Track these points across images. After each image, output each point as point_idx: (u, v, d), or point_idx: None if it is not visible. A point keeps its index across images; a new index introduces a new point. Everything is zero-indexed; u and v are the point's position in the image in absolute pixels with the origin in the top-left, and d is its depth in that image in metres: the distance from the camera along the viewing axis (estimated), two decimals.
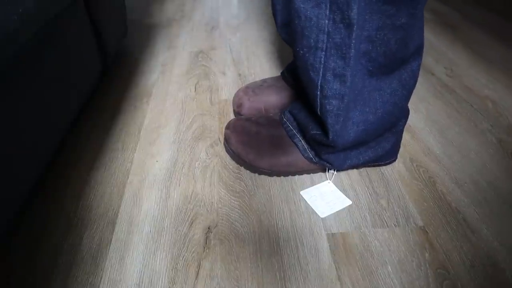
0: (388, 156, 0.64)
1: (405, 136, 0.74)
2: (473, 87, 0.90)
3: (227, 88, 0.90)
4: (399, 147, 0.65)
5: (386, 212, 0.58)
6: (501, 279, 0.49)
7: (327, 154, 0.59)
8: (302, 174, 0.64)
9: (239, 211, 0.58)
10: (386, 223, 0.56)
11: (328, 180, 0.63)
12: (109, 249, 0.53)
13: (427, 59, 1.02)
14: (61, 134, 0.60)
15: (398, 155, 0.69)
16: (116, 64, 1.01)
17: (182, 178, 0.64)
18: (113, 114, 0.81)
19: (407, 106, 0.59)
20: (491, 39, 1.13)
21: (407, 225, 0.56)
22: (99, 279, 0.49)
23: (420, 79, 0.93)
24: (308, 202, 0.59)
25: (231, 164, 0.67)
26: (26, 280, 0.49)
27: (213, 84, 0.92)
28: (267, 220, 0.57)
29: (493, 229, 0.55)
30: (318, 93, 0.49)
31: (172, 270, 0.50)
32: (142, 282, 0.48)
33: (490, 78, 0.93)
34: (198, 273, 0.49)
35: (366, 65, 0.48)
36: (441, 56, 1.03)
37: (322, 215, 0.57)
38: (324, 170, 0.64)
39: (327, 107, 0.50)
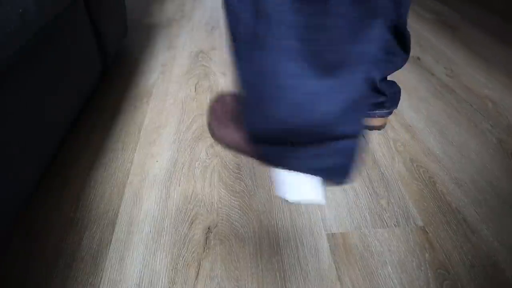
0: (332, 175, 0.56)
1: (405, 136, 0.74)
2: (473, 87, 0.90)
3: (227, 88, 0.90)
4: (348, 171, 0.54)
5: (386, 212, 0.58)
6: (501, 279, 0.49)
7: (261, 143, 0.56)
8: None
9: (239, 211, 0.58)
10: (386, 223, 0.56)
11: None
12: (109, 249, 0.53)
13: (427, 59, 1.02)
14: (61, 134, 0.60)
15: (399, 155, 0.69)
16: (116, 64, 1.01)
17: (182, 178, 0.64)
18: (113, 114, 0.81)
19: (357, 124, 0.50)
20: (491, 39, 1.13)
21: (407, 225, 0.56)
22: (99, 279, 0.49)
23: (420, 79, 0.93)
24: (277, 179, 0.58)
25: (231, 164, 0.67)
26: (26, 280, 0.49)
27: (213, 84, 0.92)
28: (267, 220, 0.57)
29: (493, 229, 0.55)
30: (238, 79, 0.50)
31: (172, 270, 0.50)
32: (142, 282, 0.48)
33: (490, 78, 0.93)
34: (198, 273, 0.49)
35: (291, 63, 0.45)
36: (441, 56, 1.03)
37: (277, 192, 0.59)
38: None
39: (243, 95, 0.51)
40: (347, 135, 0.50)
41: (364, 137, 0.54)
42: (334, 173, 0.55)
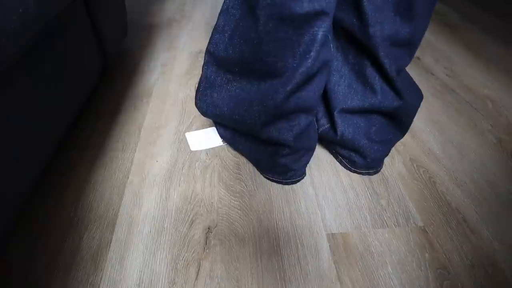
0: (265, 169, 0.63)
1: (405, 136, 0.74)
2: (473, 86, 0.90)
3: None
4: (279, 177, 0.62)
5: (386, 212, 0.58)
6: (501, 279, 0.49)
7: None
8: None
9: (239, 211, 0.58)
10: (386, 223, 0.56)
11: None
12: (109, 249, 0.53)
13: (427, 59, 1.02)
14: (60, 134, 0.60)
15: (399, 155, 0.69)
16: (116, 64, 1.01)
17: (182, 178, 0.64)
18: (113, 114, 0.81)
19: (287, 139, 0.54)
20: (491, 38, 1.13)
21: (407, 225, 0.56)
22: (99, 279, 0.49)
23: (420, 79, 0.93)
24: (188, 140, 0.70)
25: (231, 164, 0.67)
26: (26, 280, 0.49)
27: None
28: (267, 220, 0.57)
29: (493, 229, 0.55)
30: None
31: (172, 270, 0.50)
32: (142, 282, 0.48)
33: (489, 78, 0.93)
34: (198, 273, 0.49)
35: (227, 64, 0.54)
36: (441, 56, 1.03)
37: (192, 148, 0.69)
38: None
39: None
40: (273, 139, 0.56)
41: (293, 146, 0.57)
42: (268, 169, 0.63)
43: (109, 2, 0.84)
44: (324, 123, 0.63)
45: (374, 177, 0.64)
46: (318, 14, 0.43)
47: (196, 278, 0.49)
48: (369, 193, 0.61)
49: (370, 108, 0.57)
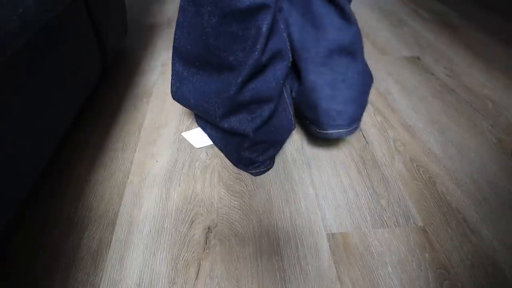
0: (234, 161, 0.66)
1: (405, 136, 0.74)
2: (473, 86, 0.90)
3: None
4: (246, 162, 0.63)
5: (386, 212, 0.58)
6: (501, 279, 0.49)
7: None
8: None
9: (239, 211, 0.58)
10: (386, 223, 0.56)
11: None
12: (109, 249, 0.53)
13: (427, 59, 1.02)
14: (61, 134, 0.60)
15: (399, 155, 0.69)
16: (116, 64, 1.01)
17: (182, 178, 0.64)
18: (113, 114, 0.81)
19: (247, 130, 0.56)
20: (491, 38, 1.13)
21: (407, 225, 0.56)
22: (99, 279, 0.49)
23: (420, 79, 0.93)
24: (188, 140, 0.71)
25: (231, 164, 0.67)
26: (26, 280, 0.49)
27: None
28: (267, 220, 0.57)
29: (493, 229, 0.55)
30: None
31: (172, 270, 0.50)
32: (142, 282, 0.48)
33: (489, 78, 0.93)
34: (198, 273, 0.49)
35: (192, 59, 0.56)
36: (441, 56, 1.03)
37: (197, 146, 0.70)
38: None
39: None
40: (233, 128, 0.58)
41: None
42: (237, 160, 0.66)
43: (109, 2, 0.84)
44: (296, 87, 0.63)
45: (374, 177, 0.64)
46: (259, 8, 0.44)
47: (196, 278, 0.49)
48: (369, 193, 0.61)
49: (327, 48, 0.57)
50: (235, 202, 0.60)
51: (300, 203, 0.59)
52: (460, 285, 0.48)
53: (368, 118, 0.79)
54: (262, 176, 0.64)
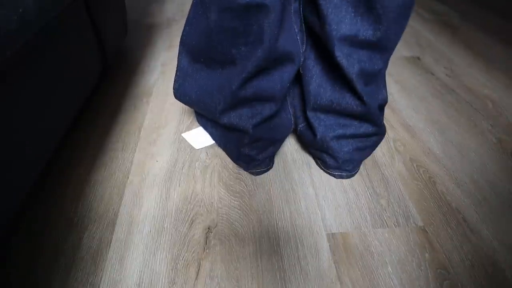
0: (234, 157, 0.67)
1: (405, 136, 0.74)
2: (473, 86, 0.90)
3: None
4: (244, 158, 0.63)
5: (386, 212, 0.58)
6: (501, 279, 0.49)
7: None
8: None
9: (239, 211, 0.58)
10: (386, 223, 0.56)
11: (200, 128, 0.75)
12: (109, 249, 0.53)
13: (427, 59, 1.02)
14: (61, 133, 0.60)
15: (399, 155, 0.69)
16: (116, 64, 1.01)
17: (182, 178, 0.64)
18: (113, 114, 0.81)
19: (246, 126, 0.56)
20: (491, 38, 1.13)
21: (407, 225, 0.56)
22: (99, 279, 0.49)
23: (420, 79, 0.93)
24: (188, 141, 0.72)
25: (231, 164, 0.67)
26: (26, 280, 0.49)
27: None
28: (267, 220, 0.57)
29: (493, 229, 0.55)
30: None
31: (172, 270, 0.50)
32: (142, 282, 0.48)
33: (489, 78, 0.93)
34: (198, 273, 0.49)
35: (196, 55, 0.57)
36: (441, 56, 1.03)
37: (197, 147, 0.71)
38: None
39: None
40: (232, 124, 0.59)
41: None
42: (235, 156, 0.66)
43: (109, 2, 0.84)
44: (301, 122, 0.64)
45: (374, 177, 0.64)
46: (258, 6, 0.44)
47: (196, 278, 0.49)
48: (369, 193, 0.61)
49: (338, 109, 0.57)
50: (235, 202, 0.60)
51: (300, 203, 0.59)
52: (460, 285, 0.48)
53: None
54: (262, 176, 0.64)
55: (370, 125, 0.58)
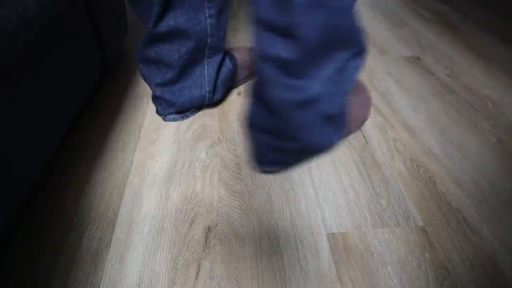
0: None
1: (405, 136, 0.74)
2: (473, 86, 0.90)
3: None
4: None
5: (386, 212, 0.58)
6: (501, 279, 0.49)
7: None
8: None
9: (239, 211, 0.58)
10: (386, 223, 0.56)
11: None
12: (109, 249, 0.53)
13: (427, 59, 1.02)
14: (61, 133, 0.60)
15: (399, 155, 0.69)
16: (116, 63, 1.01)
17: (182, 178, 0.64)
18: (113, 114, 0.81)
19: (151, 84, 0.74)
20: (492, 38, 1.13)
21: (407, 225, 0.56)
22: (99, 279, 0.49)
23: (420, 79, 0.93)
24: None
25: (231, 164, 0.67)
26: (26, 280, 0.49)
27: None
28: (267, 220, 0.57)
29: (493, 229, 0.55)
30: None
31: (172, 270, 0.50)
32: (142, 282, 0.49)
33: (490, 78, 0.93)
34: (198, 273, 0.49)
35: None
36: (441, 56, 1.03)
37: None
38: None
39: None
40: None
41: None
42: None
43: (109, 2, 0.84)
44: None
45: (374, 177, 0.64)
46: None
47: (196, 278, 0.49)
48: (369, 193, 0.61)
49: None
50: (235, 202, 0.60)
51: (300, 203, 0.59)
52: (460, 285, 0.48)
53: (368, 118, 0.79)
54: (262, 176, 0.64)
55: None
